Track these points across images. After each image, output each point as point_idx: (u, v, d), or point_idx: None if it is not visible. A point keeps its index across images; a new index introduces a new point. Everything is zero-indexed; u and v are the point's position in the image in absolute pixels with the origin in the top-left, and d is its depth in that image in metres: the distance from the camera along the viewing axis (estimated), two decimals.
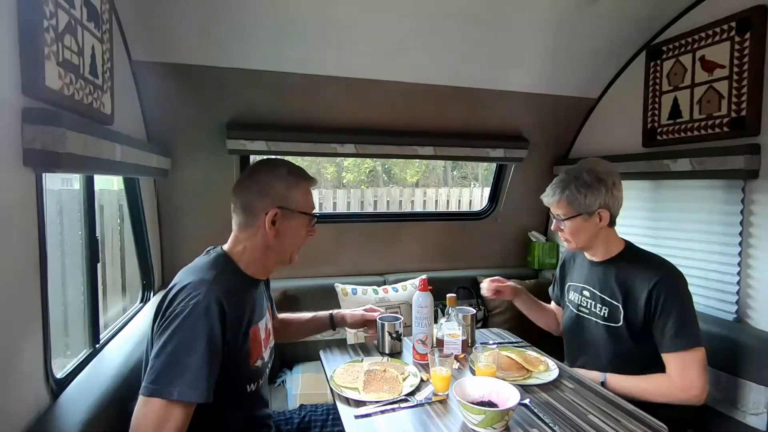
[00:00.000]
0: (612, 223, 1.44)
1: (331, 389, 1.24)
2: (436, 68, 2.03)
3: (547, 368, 1.36)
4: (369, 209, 5.41)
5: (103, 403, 1.03)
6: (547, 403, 1.18)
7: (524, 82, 2.19)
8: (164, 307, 1.01)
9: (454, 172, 6.83)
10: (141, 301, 1.96)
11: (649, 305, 1.33)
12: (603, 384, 1.35)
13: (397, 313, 2.07)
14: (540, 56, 2.07)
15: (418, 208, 5.63)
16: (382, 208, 5.44)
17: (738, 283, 1.65)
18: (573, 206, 1.42)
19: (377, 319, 1.49)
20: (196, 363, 0.93)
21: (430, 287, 1.46)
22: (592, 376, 1.40)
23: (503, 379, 1.19)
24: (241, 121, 2.03)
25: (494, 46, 1.95)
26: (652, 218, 2.03)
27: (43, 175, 0.99)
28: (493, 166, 2.68)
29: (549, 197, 1.48)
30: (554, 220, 1.50)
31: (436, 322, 1.50)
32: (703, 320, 1.58)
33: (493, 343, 1.55)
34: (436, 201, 5.85)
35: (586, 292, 1.52)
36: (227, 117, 2.01)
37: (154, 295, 1.98)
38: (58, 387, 1.04)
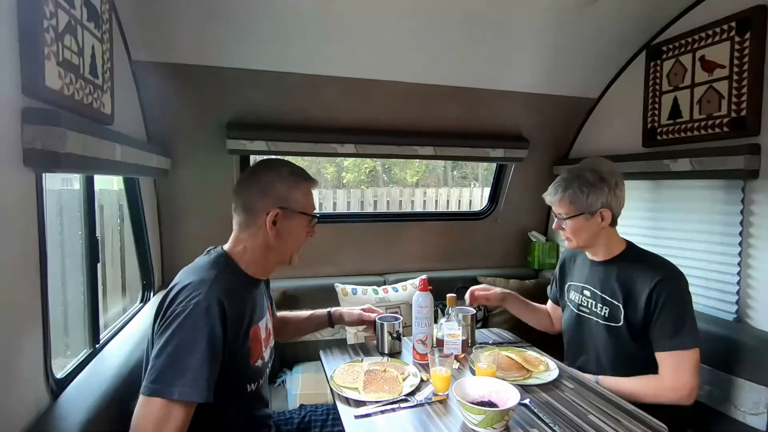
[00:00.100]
0: (614, 223, 1.44)
1: (331, 389, 1.24)
2: (436, 68, 2.03)
3: (547, 368, 1.36)
4: (369, 209, 5.40)
5: (103, 403, 1.03)
6: (547, 403, 1.18)
7: (524, 82, 2.19)
8: (165, 306, 1.01)
9: (454, 172, 6.82)
10: (141, 301, 1.96)
11: (649, 305, 1.33)
12: None
13: (397, 313, 2.07)
14: (540, 56, 2.07)
15: (418, 208, 5.63)
16: (382, 208, 5.43)
17: (738, 283, 1.65)
18: (575, 205, 1.42)
19: (376, 320, 1.50)
20: (197, 363, 0.93)
21: (430, 287, 1.46)
22: (584, 379, 1.39)
23: (503, 379, 1.19)
24: (241, 121, 2.03)
25: (494, 46, 1.95)
26: (652, 218, 2.03)
27: (43, 175, 0.99)
28: (493, 166, 2.68)
29: (551, 196, 1.47)
30: (556, 219, 1.49)
31: (436, 322, 1.50)
32: (703, 320, 1.58)
33: (493, 343, 1.55)
34: (436, 201, 5.85)
35: (586, 292, 1.52)
36: (227, 117, 2.01)
37: (154, 295, 1.98)
38: (58, 387, 1.04)
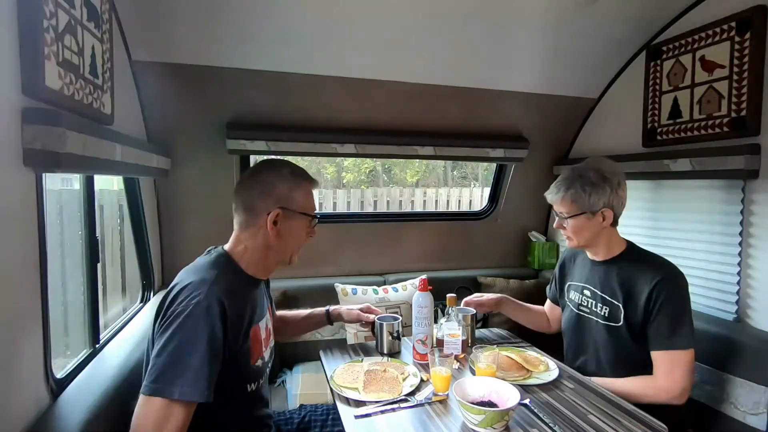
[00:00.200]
0: (615, 222, 1.44)
1: (331, 389, 1.25)
2: (436, 68, 2.03)
3: (547, 368, 1.36)
4: (369, 209, 5.40)
5: (103, 403, 1.03)
6: (547, 403, 1.18)
7: (524, 82, 2.19)
8: (165, 306, 1.01)
9: (454, 172, 6.82)
10: (141, 301, 1.96)
11: (648, 304, 1.33)
12: None
13: (397, 313, 2.07)
14: (540, 56, 2.07)
15: (418, 208, 5.63)
16: (382, 208, 5.43)
17: (738, 283, 1.65)
18: (577, 204, 1.42)
19: (376, 320, 1.49)
20: (197, 362, 0.93)
21: (430, 287, 1.46)
22: (583, 379, 1.39)
23: (503, 379, 1.19)
24: (241, 121, 2.03)
25: (494, 46, 1.96)
26: (652, 218, 2.03)
27: (43, 175, 0.99)
28: (493, 166, 2.68)
29: (553, 194, 1.47)
30: (557, 218, 1.49)
31: (436, 322, 1.50)
32: (703, 320, 1.58)
33: (493, 343, 1.55)
34: (436, 201, 5.85)
35: (586, 292, 1.52)
36: (227, 117, 2.01)
37: (154, 295, 1.98)
38: (58, 387, 1.04)
